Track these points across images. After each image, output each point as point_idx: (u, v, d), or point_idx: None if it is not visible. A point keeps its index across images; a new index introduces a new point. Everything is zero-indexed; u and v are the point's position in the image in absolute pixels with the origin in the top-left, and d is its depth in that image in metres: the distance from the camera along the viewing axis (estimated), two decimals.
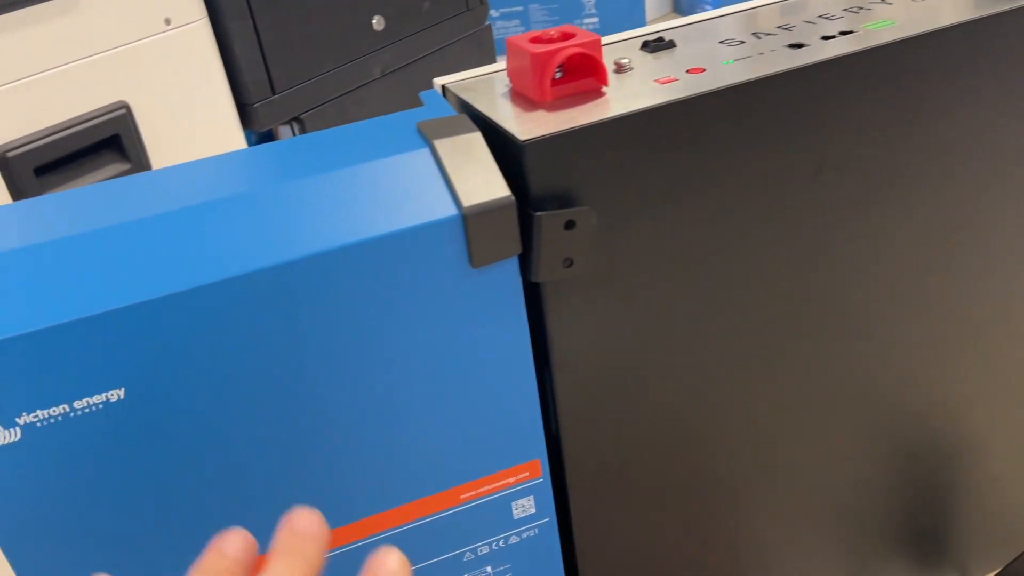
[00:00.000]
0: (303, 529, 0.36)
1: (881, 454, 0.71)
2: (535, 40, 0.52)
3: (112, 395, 0.44)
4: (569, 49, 0.51)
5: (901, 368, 0.67)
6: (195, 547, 0.37)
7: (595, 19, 2.70)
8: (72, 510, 0.46)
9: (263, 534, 0.38)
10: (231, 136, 1.04)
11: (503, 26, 2.80)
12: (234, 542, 0.36)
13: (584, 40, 0.51)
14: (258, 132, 1.09)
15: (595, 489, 0.60)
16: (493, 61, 1.48)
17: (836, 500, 0.72)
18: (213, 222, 0.46)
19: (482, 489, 0.56)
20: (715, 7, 2.35)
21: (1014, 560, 0.77)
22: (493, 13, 2.80)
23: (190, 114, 1.01)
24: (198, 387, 0.46)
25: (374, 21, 1.19)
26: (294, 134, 1.18)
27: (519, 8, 2.74)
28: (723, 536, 0.68)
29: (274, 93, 1.07)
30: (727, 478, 0.66)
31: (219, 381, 0.46)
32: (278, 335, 0.47)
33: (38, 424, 0.43)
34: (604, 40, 0.61)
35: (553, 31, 0.53)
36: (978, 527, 0.80)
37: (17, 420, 0.43)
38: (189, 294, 0.44)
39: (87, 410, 0.44)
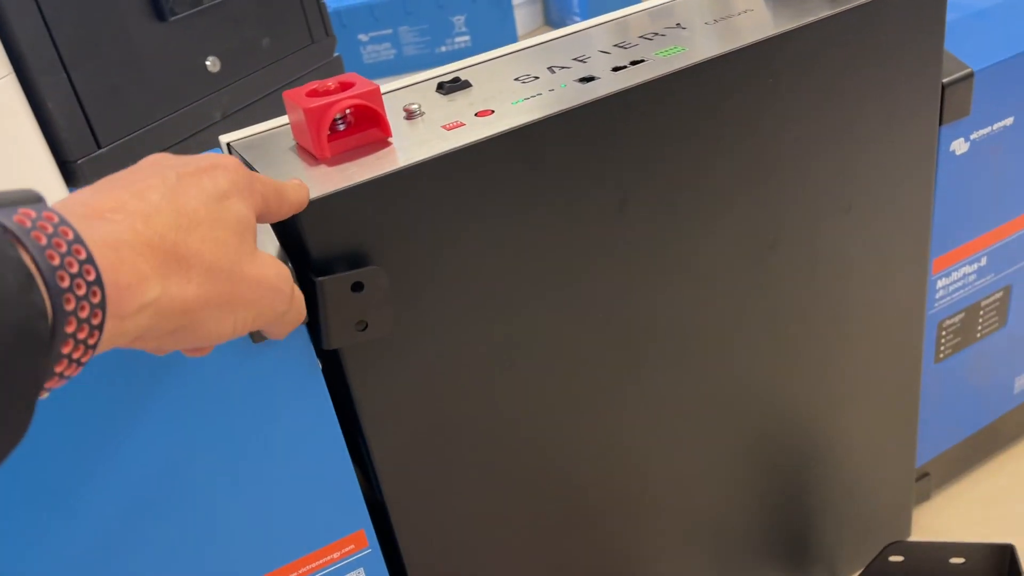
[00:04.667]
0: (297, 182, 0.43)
1: (739, 466, 0.71)
2: (312, 94, 0.49)
3: None
4: (344, 101, 0.48)
5: (745, 385, 0.67)
6: None
7: (466, 37, 2.69)
8: None
9: None
10: (55, 197, 0.97)
11: (374, 50, 2.76)
12: None
13: (362, 91, 0.49)
14: None
15: (431, 549, 0.58)
16: None
17: (700, 516, 0.71)
18: None
19: (303, 569, 0.53)
20: (583, 19, 2.38)
21: (876, 557, 0.78)
22: (363, 38, 2.76)
23: (6, 176, 0.94)
24: None
25: (208, 63, 1.14)
26: None
27: (388, 31, 2.71)
28: (584, 571, 0.67)
29: (100, 147, 1.01)
30: (578, 514, 0.64)
31: None
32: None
33: None
34: (400, 83, 0.59)
35: (331, 82, 0.50)
36: (841, 528, 0.81)
37: None
38: None
39: None
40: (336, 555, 0.54)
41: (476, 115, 0.52)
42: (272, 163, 0.50)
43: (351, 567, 0.55)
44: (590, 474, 0.63)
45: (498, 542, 0.61)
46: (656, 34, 0.60)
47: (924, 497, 0.90)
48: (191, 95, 1.13)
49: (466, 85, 0.57)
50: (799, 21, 0.57)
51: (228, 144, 0.55)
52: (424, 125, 0.52)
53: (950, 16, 0.71)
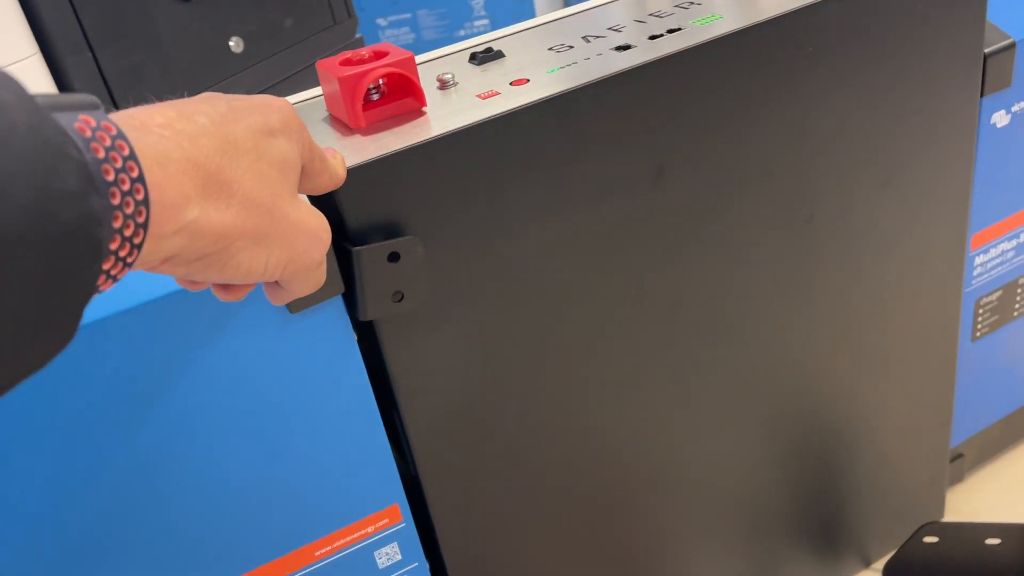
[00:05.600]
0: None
1: (771, 449, 0.70)
2: (345, 63, 0.49)
3: None
4: (379, 70, 0.47)
5: (779, 362, 0.66)
6: None
7: (485, 20, 2.67)
8: None
9: None
10: None
11: (393, 34, 2.75)
12: None
13: (396, 59, 0.48)
14: None
15: (465, 525, 0.57)
16: None
17: (733, 501, 0.70)
18: None
19: (338, 543, 0.53)
20: None
21: (910, 538, 0.77)
22: (381, 22, 2.75)
23: None
24: None
25: (232, 43, 1.13)
26: None
27: (407, 15, 2.69)
28: (614, 549, 0.66)
29: None
30: (608, 492, 0.63)
31: None
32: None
33: None
34: (431, 55, 0.58)
35: (365, 51, 0.50)
36: (874, 509, 0.80)
37: None
38: None
39: None
40: (371, 529, 0.53)
41: (511, 84, 0.51)
42: None
43: (385, 541, 0.54)
44: (624, 451, 0.62)
45: (531, 518, 0.60)
46: (692, 3, 0.59)
47: (958, 478, 0.88)
48: (215, 75, 1.13)
49: (499, 55, 0.56)
50: None
51: None
52: (458, 95, 0.51)
53: None
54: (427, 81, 0.53)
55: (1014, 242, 0.76)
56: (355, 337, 0.49)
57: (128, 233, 0.28)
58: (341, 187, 0.45)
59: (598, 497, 0.63)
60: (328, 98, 0.51)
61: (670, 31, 0.54)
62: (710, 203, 0.56)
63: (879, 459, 0.77)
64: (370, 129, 0.48)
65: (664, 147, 0.53)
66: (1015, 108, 0.69)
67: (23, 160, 0.24)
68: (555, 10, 2.40)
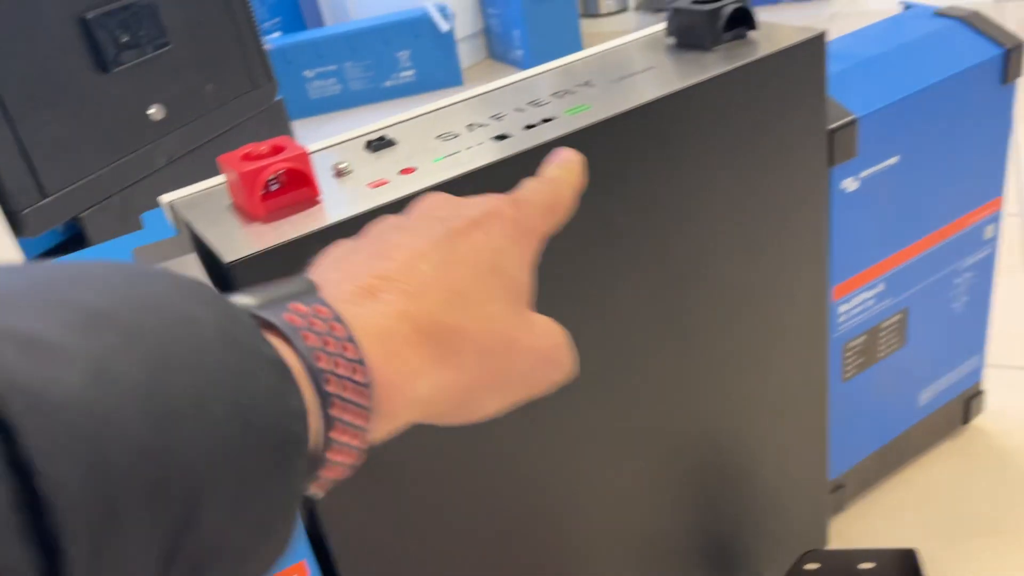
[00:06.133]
0: (562, 159, 0.38)
1: (664, 486, 0.76)
2: (245, 157, 0.54)
3: None
4: (275, 165, 0.52)
5: (667, 407, 0.72)
6: None
7: (411, 72, 2.74)
8: None
9: None
10: (1, 245, 0.99)
11: (320, 86, 2.80)
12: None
13: (292, 154, 0.53)
14: (32, 238, 1.05)
15: (369, 566, 0.62)
16: (289, 133, 1.48)
17: (630, 533, 0.76)
18: None
19: None
20: (525, 53, 2.42)
21: (791, 567, 0.84)
22: (308, 74, 2.80)
23: None
24: None
25: (151, 111, 1.17)
26: (86, 230, 1.14)
27: (334, 67, 2.75)
28: None
29: (45, 197, 1.04)
30: (514, 527, 0.68)
31: None
32: None
33: None
34: (329, 141, 0.64)
35: (264, 145, 0.55)
36: (762, 538, 0.87)
37: None
38: None
39: None
40: None
41: (400, 173, 0.57)
42: (213, 221, 0.54)
43: None
44: (522, 494, 0.67)
45: (438, 564, 0.65)
46: (567, 92, 0.66)
47: (840, 508, 0.96)
48: (135, 143, 1.16)
49: (391, 143, 0.61)
50: (695, 78, 0.63)
51: (170, 203, 0.59)
52: (352, 183, 0.56)
53: (838, 66, 0.78)
54: (325, 168, 0.58)
55: (873, 291, 0.84)
56: None
57: (348, 418, 0.26)
58: (239, 274, 0.49)
59: (502, 534, 0.68)
60: (231, 187, 0.56)
61: (545, 120, 0.61)
62: (590, 273, 0.63)
63: (765, 492, 0.84)
64: (270, 217, 0.53)
65: None
66: (863, 174, 0.77)
67: (215, 375, 0.22)
68: (479, 60, 2.46)
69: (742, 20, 0.69)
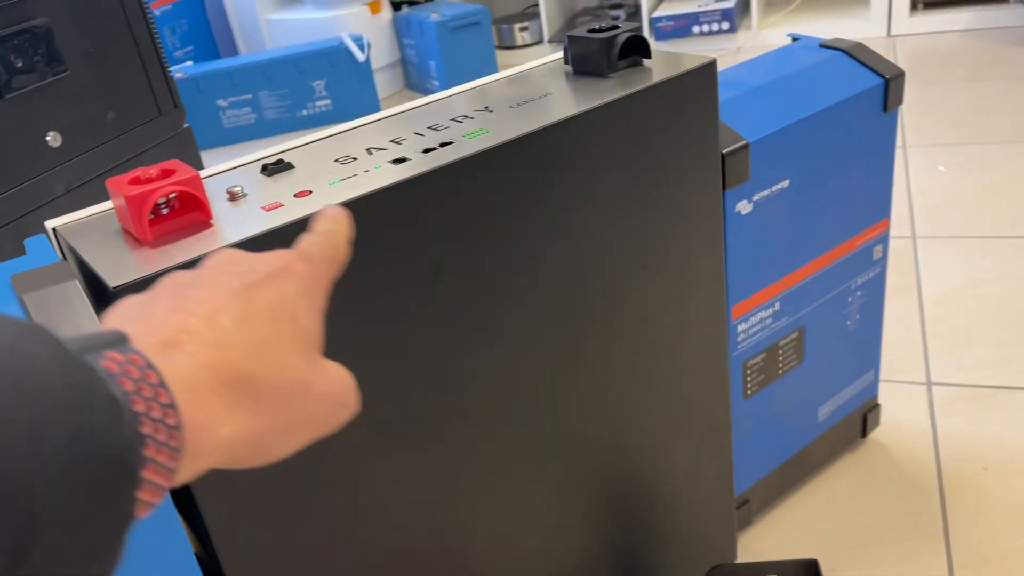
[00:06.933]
0: (330, 215, 0.41)
1: (574, 507, 0.76)
2: (133, 181, 0.53)
3: None
4: (164, 188, 0.52)
5: (571, 429, 0.73)
6: None
7: (327, 101, 2.73)
8: None
9: None
10: None
11: (234, 115, 2.76)
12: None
13: (182, 177, 0.52)
14: None
15: None
16: (199, 163, 1.46)
17: (542, 557, 0.76)
18: None
19: None
20: (442, 83, 2.44)
21: None
22: (222, 103, 2.76)
23: None
24: None
25: (48, 138, 1.14)
26: None
27: (248, 96, 2.72)
28: None
29: None
30: (416, 556, 0.68)
31: None
32: None
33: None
34: (225, 166, 0.63)
35: (153, 169, 0.54)
36: (672, 554, 0.88)
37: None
38: None
39: None
40: None
41: (295, 196, 0.56)
42: (98, 246, 0.53)
43: None
44: (425, 527, 0.67)
45: None
46: (466, 116, 0.66)
47: (747, 522, 0.98)
48: (32, 170, 1.12)
49: (289, 167, 0.61)
50: (592, 103, 0.65)
51: (54, 229, 0.57)
52: (246, 206, 0.56)
53: (730, 94, 0.82)
54: (218, 193, 0.57)
55: (770, 311, 0.87)
56: None
57: (161, 459, 0.28)
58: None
59: (404, 562, 0.67)
60: (119, 212, 0.54)
61: (442, 144, 0.61)
62: (487, 295, 0.63)
63: (672, 509, 0.85)
64: (158, 242, 0.52)
65: (439, 249, 0.60)
66: (756, 197, 0.80)
67: (57, 406, 0.24)
68: (396, 89, 2.47)
69: (636, 48, 0.71)
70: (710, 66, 0.70)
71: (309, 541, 0.60)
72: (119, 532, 0.26)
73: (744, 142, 0.77)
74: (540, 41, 3.15)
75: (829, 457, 1.06)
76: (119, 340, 0.29)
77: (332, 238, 0.40)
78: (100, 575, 0.26)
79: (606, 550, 0.81)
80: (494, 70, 2.80)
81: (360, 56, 2.66)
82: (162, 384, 0.28)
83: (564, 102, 0.67)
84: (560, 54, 0.77)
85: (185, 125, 1.39)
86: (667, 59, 0.71)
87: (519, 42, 3.14)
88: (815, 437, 1.01)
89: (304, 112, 2.77)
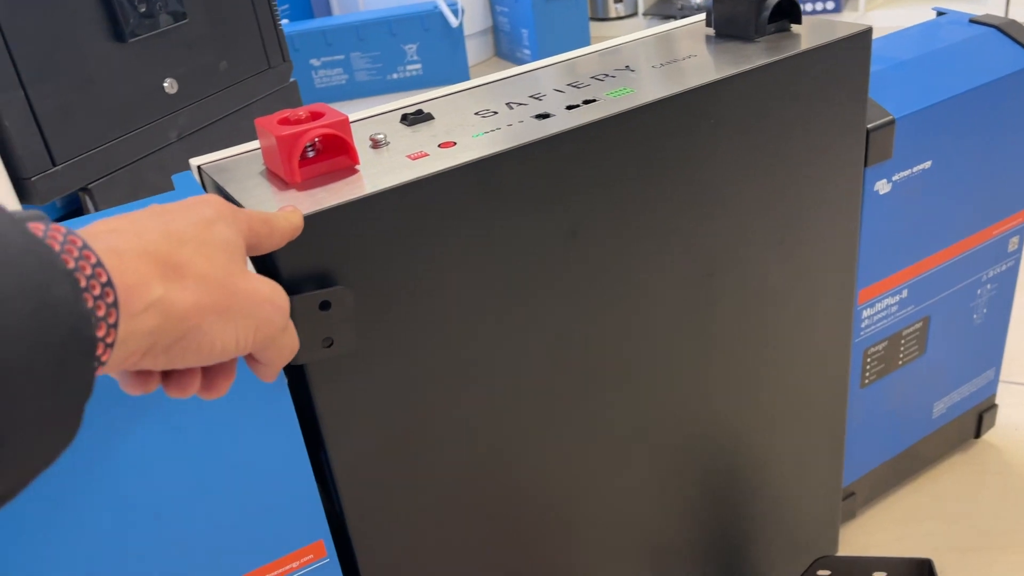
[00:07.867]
0: (287, 208, 0.47)
1: (676, 487, 0.74)
2: (283, 122, 0.52)
3: None
4: (315, 130, 0.51)
5: (682, 406, 0.71)
6: None
7: (418, 65, 2.73)
8: None
9: None
10: None
11: (326, 75, 2.79)
12: None
13: (332, 120, 0.52)
14: (40, 206, 1.02)
15: (387, 560, 0.60)
16: None
17: (641, 536, 0.74)
18: None
19: None
20: (533, 53, 2.41)
21: (804, 571, 0.82)
22: (315, 62, 2.78)
23: None
24: None
25: (165, 84, 1.15)
26: (85, 205, 1.12)
27: (341, 57, 2.73)
28: None
29: (54, 165, 1.01)
30: (527, 526, 0.67)
31: None
32: None
33: None
34: (365, 113, 0.62)
35: (303, 111, 0.53)
36: (773, 544, 0.85)
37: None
38: None
39: None
40: (295, 564, 0.55)
41: (439, 146, 0.55)
42: (243, 187, 0.53)
43: None
44: (541, 487, 0.66)
45: (450, 554, 0.63)
46: (607, 75, 0.64)
47: (850, 515, 0.95)
48: (147, 115, 1.14)
49: (429, 117, 0.60)
50: (738, 68, 0.62)
51: (199, 167, 0.57)
52: (389, 154, 0.55)
53: (875, 67, 0.77)
54: (360, 140, 0.57)
55: (897, 297, 0.83)
56: (285, 379, 0.51)
57: (101, 314, 0.31)
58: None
59: (518, 532, 0.66)
60: (266, 153, 0.54)
61: (586, 102, 0.59)
62: (620, 260, 0.61)
63: (777, 497, 0.83)
64: (305, 185, 0.52)
65: (577, 209, 0.58)
66: (896, 177, 0.76)
67: (23, 277, 0.27)
68: (486, 57, 2.45)
69: (787, 12, 0.67)
70: (864, 34, 0.67)
71: (430, 496, 0.60)
72: (82, 395, 0.29)
73: (890, 118, 0.73)
74: (635, 14, 3.09)
75: (940, 455, 1.02)
76: (40, 218, 0.32)
77: (276, 218, 0.45)
78: (63, 437, 0.29)
79: (705, 534, 0.79)
80: (587, 42, 2.76)
81: (454, 21, 2.64)
82: (87, 247, 0.31)
83: (708, 65, 0.64)
84: (694, 17, 0.74)
85: (291, 79, 1.40)
86: (818, 25, 0.68)
87: (612, 14, 3.08)
88: (927, 433, 0.97)
89: (394, 75, 2.77)
